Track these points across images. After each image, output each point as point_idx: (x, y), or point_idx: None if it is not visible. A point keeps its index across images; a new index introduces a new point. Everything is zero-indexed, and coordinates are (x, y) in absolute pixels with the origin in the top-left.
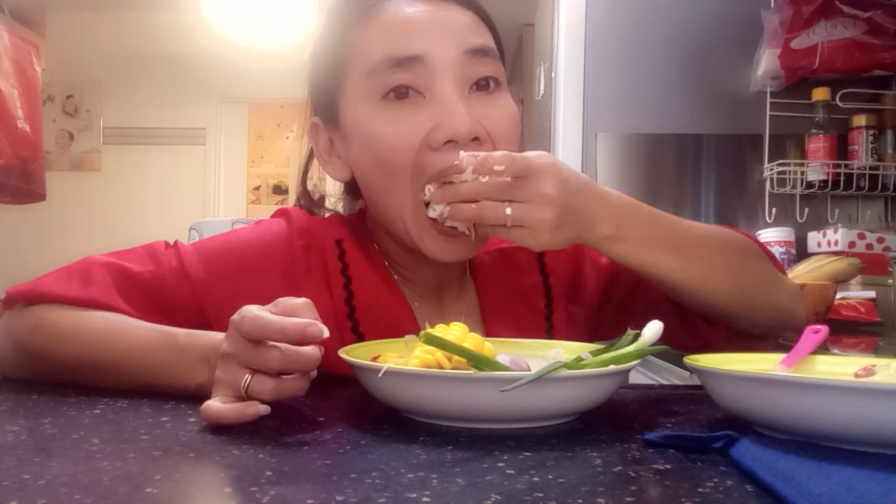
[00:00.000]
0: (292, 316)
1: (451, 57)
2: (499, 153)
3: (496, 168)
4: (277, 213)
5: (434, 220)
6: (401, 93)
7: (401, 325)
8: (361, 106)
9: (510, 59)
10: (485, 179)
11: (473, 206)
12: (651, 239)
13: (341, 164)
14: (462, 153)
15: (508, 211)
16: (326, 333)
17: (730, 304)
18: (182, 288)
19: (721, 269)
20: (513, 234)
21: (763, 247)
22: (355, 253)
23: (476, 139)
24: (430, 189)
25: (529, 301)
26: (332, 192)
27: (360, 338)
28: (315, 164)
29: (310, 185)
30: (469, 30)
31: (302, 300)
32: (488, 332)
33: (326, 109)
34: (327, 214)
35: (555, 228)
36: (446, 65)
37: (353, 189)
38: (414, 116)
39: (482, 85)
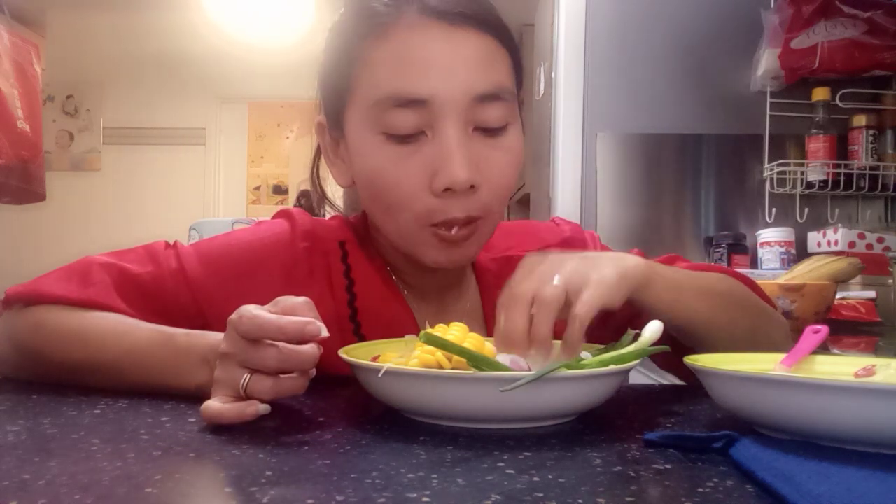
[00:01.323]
0: (292, 314)
1: (457, 101)
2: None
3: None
4: (279, 214)
5: (434, 228)
6: (404, 131)
7: (402, 328)
8: (365, 134)
9: None
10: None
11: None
12: (675, 285)
13: (345, 170)
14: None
15: (556, 280)
16: (325, 332)
17: (732, 344)
18: (181, 289)
19: (728, 312)
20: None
21: (754, 284)
22: (358, 255)
23: (472, 187)
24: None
25: None
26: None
27: (362, 340)
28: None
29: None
30: (481, 68)
31: (302, 299)
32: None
33: (333, 114)
34: (329, 216)
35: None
36: (452, 108)
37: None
38: (414, 157)
39: (489, 131)
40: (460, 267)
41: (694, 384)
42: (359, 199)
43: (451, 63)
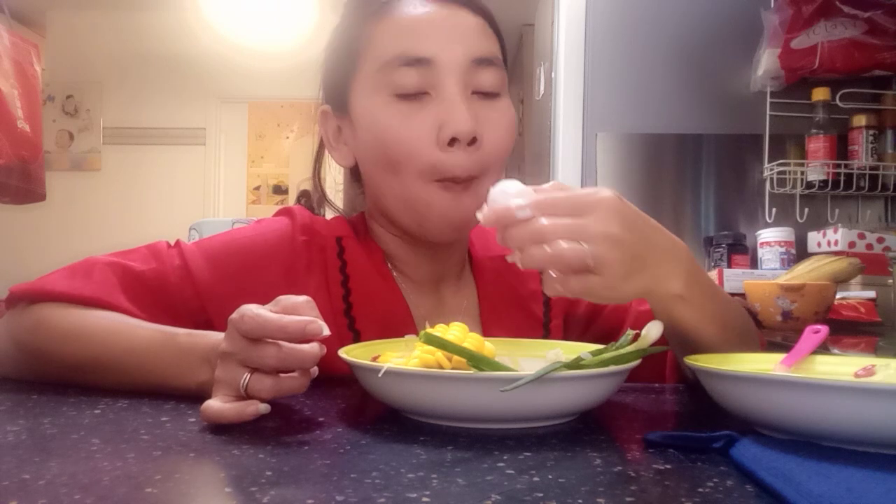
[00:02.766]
0: (293, 313)
1: (457, 61)
2: (558, 192)
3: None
4: (281, 212)
5: (438, 183)
6: (410, 87)
7: (397, 322)
8: (371, 97)
9: (510, 59)
10: (546, 221)
11: (548, 249)
12: (710, 310)
13: (347, 152)
14: (514, 200)
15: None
16: (327, 331)
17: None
18: (185, 286)
19: (738, 341)
20: (587, 286)
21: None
22: (355, 250)
23: (475, 140)
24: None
25: (528, 307)
26: (332, 185)
27: (357, 335)
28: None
29: (310, 186)
30: (477, 37)
31: (303, 298)
32: (485, 334)
33: (337, 98)
34: (328, 215)
35: (625, 275)
36: (453, 68)
37: (357, 175)
38: (420, 113)
39: (485, 94)
40: (461, 228)
41: (693, 384)
42: (358, 199)
43: (452, 29)
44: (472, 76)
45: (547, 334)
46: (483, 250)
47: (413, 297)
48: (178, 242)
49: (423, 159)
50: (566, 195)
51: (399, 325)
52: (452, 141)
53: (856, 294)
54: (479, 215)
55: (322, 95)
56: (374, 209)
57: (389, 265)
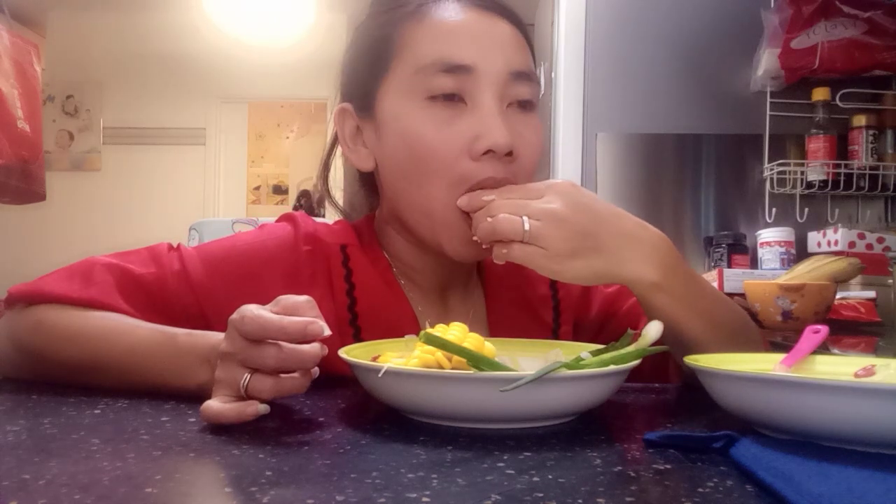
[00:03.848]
0: (294, 314)
1: (497, 72)
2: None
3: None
4: (283, 218)
5: (460, 217)
6: (448, 95)
7: (404, 330)
8: (404, 101)
9: None
10: (499, 200)
11: (489, 219)
12: (693, 303)
13: (367, 154)
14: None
15: (527, 225)
16: (327, 331)
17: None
18: (184, 291)
19: (730, 339)
20: (528, 253)
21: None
22: (360, 259)
23: (510, 154)
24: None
25: (537, 312)
26: (332, 184)
27: None
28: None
29: (311, 186)
30: (516, 48)
31: (303, 298)
32: None
33: (362, 97)
34: (328, 215)
35: (570, 253)
36: (493, 79)
37: (368, 181)
38: (456, 123)
39: (522, 104)
40: (475, 260)
41: (693, 384)
42: (359, 201)
43: (492, 39)
44: (509, 88)
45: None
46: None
47: (419, 304)
48: (179, 246)
49: (454, 169)
50: (527, 184)
51: (405, 332)
52: (487, 152)
53: (856, 294)
54: (459, 201)
55: (341, 94)
56: (390, 215)
57: (396, 271)
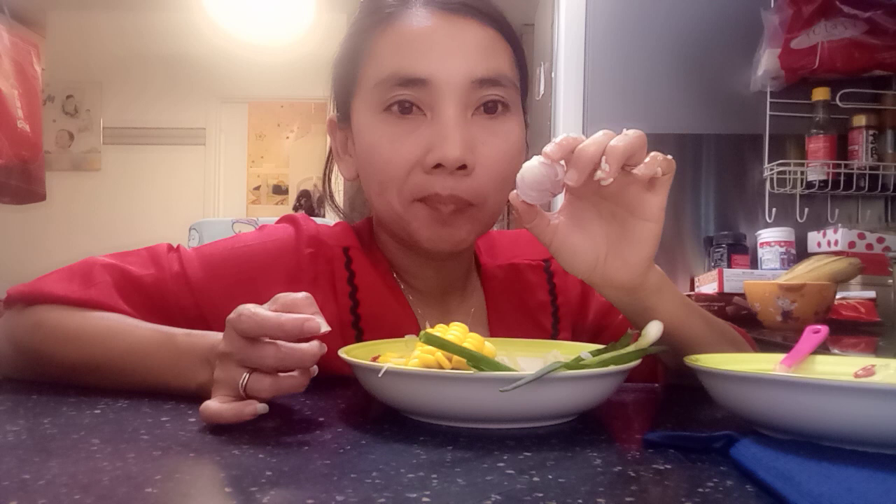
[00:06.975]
0: (292, 311)
1: (457, 82)
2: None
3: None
4: (284, 220)
5: (422, 203)
6: (404, 107)
7: (405, 333)
8: (367, 114)
9: None
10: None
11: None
12: (686, 299)
13: (351, 163)
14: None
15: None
16: (326, 328)
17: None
18: (183, 293)
19: (723, 339)
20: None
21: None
22: (362, 261)
23: (463, 167)
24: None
25: (536, 318)
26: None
27: None
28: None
29: (311, 186)
30: (481, 53)
31: (302, 294)
32: None
33: (342, 108)
34: (328, 215)
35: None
36: (452, 89)
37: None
38: (411, 135)
39: (489, 107)
40: (456, 250)
41: (678, 384)
42: (358, 201)
43: (452, 47)
44: (473, 96)
45: None
46: (491, 258)
47: (419, 308)
48: (178, 247)
49: (406, 182)
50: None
51: (407, 334)
52: (437, 166)
53: (856, 294)
54: (511, 195)
55: (332, 103)
56: (377, 220)
57: (395, 275)
